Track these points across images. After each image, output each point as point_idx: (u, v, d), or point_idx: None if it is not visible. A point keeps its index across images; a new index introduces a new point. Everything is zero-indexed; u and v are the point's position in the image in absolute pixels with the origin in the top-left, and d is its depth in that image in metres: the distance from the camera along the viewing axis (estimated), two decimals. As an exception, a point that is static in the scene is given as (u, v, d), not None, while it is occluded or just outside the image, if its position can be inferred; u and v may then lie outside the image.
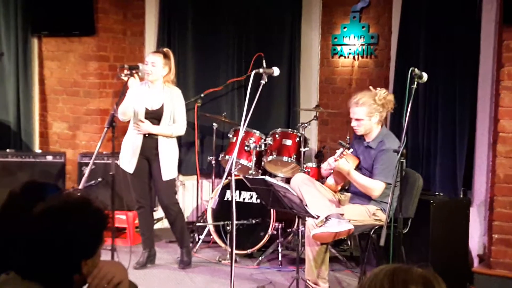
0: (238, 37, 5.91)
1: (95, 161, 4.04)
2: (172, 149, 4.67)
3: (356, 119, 4.07)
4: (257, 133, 5.22)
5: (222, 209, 4.94)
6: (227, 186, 4.84)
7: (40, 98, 6.20)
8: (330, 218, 3.85)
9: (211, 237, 5.18)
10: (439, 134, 4.76)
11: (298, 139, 5.12)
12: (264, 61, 5.04)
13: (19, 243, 1.72)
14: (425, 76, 3.67)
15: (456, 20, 4.66)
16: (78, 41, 5.93)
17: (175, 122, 4.62)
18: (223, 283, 4.43)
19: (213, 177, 5.59)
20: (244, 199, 5.05)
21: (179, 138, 4.91)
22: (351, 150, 4.20)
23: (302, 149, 5.06)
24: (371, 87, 4.15)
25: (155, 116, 4.58)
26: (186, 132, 4.78)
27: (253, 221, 4.90)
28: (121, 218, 5.26)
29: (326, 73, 5.87)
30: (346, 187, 4.37)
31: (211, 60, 5.93)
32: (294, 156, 5.10)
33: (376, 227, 4.02)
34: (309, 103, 5.87)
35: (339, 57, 5.78)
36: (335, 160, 4.04)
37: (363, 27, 5.60)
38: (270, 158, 5.15)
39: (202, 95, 5.60)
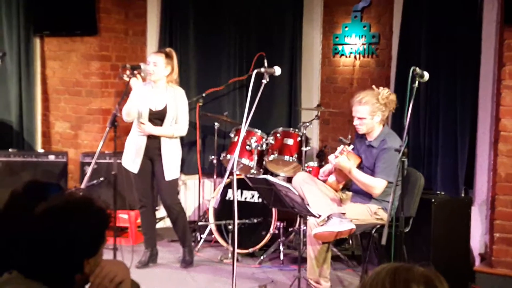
0: (239, 36, 5.91)
1: (97, 161, 4.06)
2: (175, 150, 4.68)
3: (359, 118, 4.07)
4: (259, 132, 5.22)
5: (224, 209, 4.94)
6: (228, 186, 4.85)
7: (42, 97, 6.21)
8: (331, 217, 3.85)
9: (213, 236, 5.18)
10: (440, 133, 4.76)
11: (299, 138, 5.12)
12: (265, 60, 5.02)
13: (22, 242, 1.72)
14: (426, 76, 3.67)
15: (457, 19, 4.66)
16: (80, 40, 5.94)
17: (178, 122, 4.63)
18: (225, 282, 4.44)
19: (215, 177, 5.60)
20: (245, 198, 5.05)
21: (181, 138, 4.91)
22: (351, 146, 4.20)
23: (304, 149, 5.06)
24: (374, 86, 4.15)
25: (158, 117, 4.59)
26: (188, 131, 4.78)
27: (255, 220, 4.90)
28: (123, 217, 5.27)
29: (327, 73, 5.87)
30: (348, 186, 4.37)
31: (213, 59, 5.93)
32: (296, 155, 5.11)
33: (378, 226, 4.02)
34: (311, 103, 5.87)
35: (340, 57, 5.77)
36: (336, 157, 4.05)
37: (364, 26, 5.60)
38: (271, 157, 5.15)
39: (203, 94, 5.61)
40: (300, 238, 4.19)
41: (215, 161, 5.52)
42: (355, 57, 5.68)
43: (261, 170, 5.27)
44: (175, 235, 4.99)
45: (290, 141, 5.13)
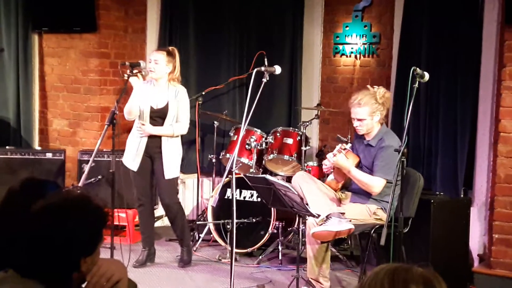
0: (239, 35, 5.90)
1: (95, 159, 4.04)
2: (175, 148, 4.66)
3: (359, 119, 4.06)
4: (258, 131, 5.21)
5: (223, 208, 4.93)
6: (227, 185, 4.83)
7: (40, 95, 6.19)
8: (330, 217, 3.84)
9: (211, 235, 5.17)
10: (440, 133, 4.75)
11: (299, 137, 5.11)
12: (265, 59, 5.03)
13: (18, 240, 1.71)
14: (426, 76, 3.66)
15: (458, 19, 4.65)
16: (79, 37, 5.91)
17: (178, 120, 4.62)
18: (223, 281, 4.42)
19: (214, 176, 5.59)
20: (244, 197, 5.04)
21: (180, 137, 4.89)
22: (350, 144, 4.20)
23: (303, 148, 5.05)
24: (368, 86, 4.15)
25: (160, 115, 4.58)
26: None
27: (254, 220, 4.88)
28: (121, 216, 5.24)
29: (327, 72, 5.86)
30: (347, 186, 4.36)
31: (213, 58, 5.91)
32: (295, 154, 5.09)
33: (377, 226, 4.01)
34: (311, 102, 5.86)
35: (341, 56, 5.76)
36: (334, 156, 4.04)
37: (365, 26, 5.59)
38: (271, 156, 5.14)
39: (203, 93, 5.59)
40: (299, 238, 4.17)
41: (214, 160, 5.51)
42: (355, 56, 5.67)
43: (261, 169, 5.26)
44: (173, 234, 4.97)
45: (289, 141, 5.12)
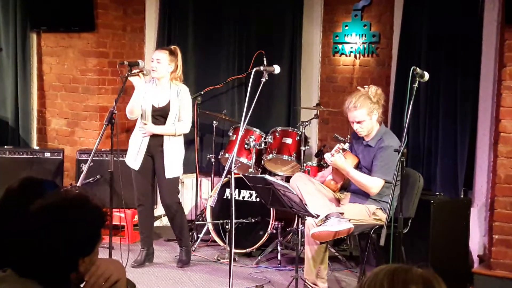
0: (239, 34, 5.88)
1: (94, 158, 4.02)
2: (177, 147, 4.66)
3: (358, 122, 4.05)
4: (257, 131, 5.19)
5: (221, 208, 4.92)
6: (226, 184, 4.81)
7: (38, 94, 6.17)
8: (330, 217, 3.83)
9: (210, 235, 5.16)
10: (440, 133, 4.74)
11: (298, 137, 5.10)
12: (264, 58, 5.01)
13: (16, 240, 1.70)
14: (426, 75, 3.65)
15: (458, 19, 4.64)
16: (77, 37, 5.89)
17: (180, 119, 4.61)
18: (222, 282, 4.41)
19: (213, 175, 5.57)
20: (243, 197, 5.02)
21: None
22: (347, 144, 4.19)
23: (302, 148, 5.03)
24: (359, 87, 4.14)
25: (161, 113, 4.58)
26: (186, 129, 4.76)
27: (253, 220, 4.87)
28: (119, 215, 5.22)
29: (327, 72, 5.84)
30: (346, 187, 4.34)
31: (212, 57, 5.90)
32: (294, 154, 5.08)
33: (376, 227, 3.99)
34: (310, 102, 5.84)
35: (340, 56, 5.75)
36: (332, 156, 4.03)
37: (364, 25, 5.57)
38: (270, 156, 5.13)
39: (202, 92, 5.58)
40: (298, 238, 4.15)
41: (213, 160, 5.49)
42: (355, 56, 5.66)
43: (260, 169, 5.25)
44: (172, 234, 4.95)
45: (289, 140, 5.11)
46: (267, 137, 5.16)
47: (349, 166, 4.03)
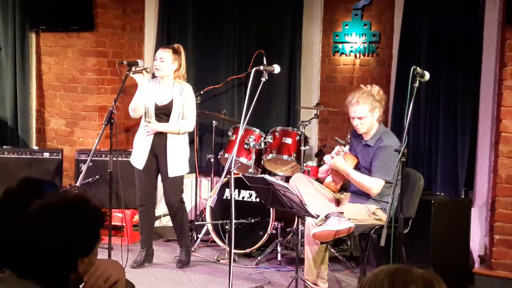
0: (238, 34, 5.87)
1: (93, 158, 4.01)
2: (181, 146, 4.65)
3: (359, 117, 4.03)
4: (257, 131, 5.18)
5: (221, 208, 4.91)
6: (226, 185, 4.80)
7: (37, 94, 6.15)
8: (330, 217, 3.82)
9: (210, 236, 5.14)
10: (440, 133, 4.73)
11: (298, 137, 5.08)
12: (264, 58, 4.99)
13: (15, 240, 1.69)
14: (427, 75, 3.64)
15: (459, 18, 4.63)
16: (76, 36, 5.87)
17: (184, 117, 4.60)
18: (221, 282, 4.40)
19: (212, 175, 5.56)
20: (243, 197, 5.01)
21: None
22: (348, 147, 4.17)
23: (302, 148, 5.02)
24: (362, 85, 4.14)
25: (164, 112, 4.57)
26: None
27: (252, 220, 4.86)
28: (118, 216, 5.21)
29: (327, 71, 5.83)
30: (346, 187, 4.33)
31: (211, 57, 5.88)
32: (294, 154, 5.06)
33: (377, 227, 3.98)
34: (310, 101, 5.83)
35: (340, 55, 5.73)
36: (331, 158, 4.02)
37: (365, 25, 5.56)
38: (270, 156, 5.11)
39: (201, 92, 5.56)
40: (297, 238, 4.14)
41: (212, 160, 5.48)
42: (355, 55, 5.64)
43: (259, 169, 5.23)
44: (171, 235, 4.93)
45: (288, 140, 5.09)
46: (267, 137, 5.15)
47: (349, 168, 4.02)
